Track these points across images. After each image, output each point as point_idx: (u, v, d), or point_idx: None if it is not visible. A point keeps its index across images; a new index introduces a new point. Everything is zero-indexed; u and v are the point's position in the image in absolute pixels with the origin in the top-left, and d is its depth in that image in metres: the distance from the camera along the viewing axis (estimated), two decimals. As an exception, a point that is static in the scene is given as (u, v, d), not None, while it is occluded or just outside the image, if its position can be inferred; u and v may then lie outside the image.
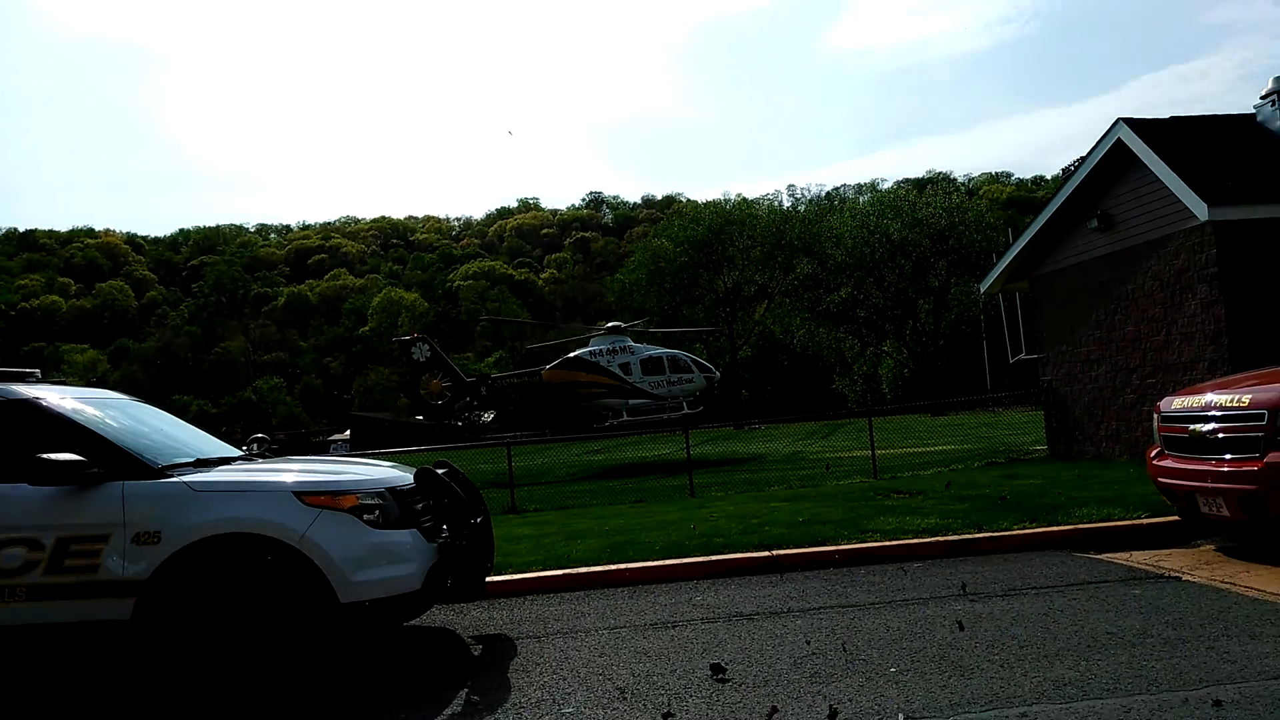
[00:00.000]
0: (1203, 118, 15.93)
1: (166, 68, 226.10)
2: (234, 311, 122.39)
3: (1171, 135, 14.67)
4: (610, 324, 35.48)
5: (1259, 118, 15.27)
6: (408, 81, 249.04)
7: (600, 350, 31.99)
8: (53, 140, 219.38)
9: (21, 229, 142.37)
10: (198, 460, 6.13)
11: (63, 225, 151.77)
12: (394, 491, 5.87)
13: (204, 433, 7.25)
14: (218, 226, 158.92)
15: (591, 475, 23.95)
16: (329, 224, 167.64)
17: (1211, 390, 7.63)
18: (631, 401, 31.13)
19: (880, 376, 75.24)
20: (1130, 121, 14.76)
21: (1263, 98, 15.24)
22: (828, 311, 70.46)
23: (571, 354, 33.27)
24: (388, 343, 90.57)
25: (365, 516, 5.62)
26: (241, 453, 7.15)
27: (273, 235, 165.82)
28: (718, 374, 35.78)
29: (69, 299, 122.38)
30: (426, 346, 33.12)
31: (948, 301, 64.94)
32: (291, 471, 5.91)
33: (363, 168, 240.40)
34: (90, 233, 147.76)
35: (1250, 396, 6.98)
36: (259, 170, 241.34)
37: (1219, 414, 7.17)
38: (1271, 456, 6.61)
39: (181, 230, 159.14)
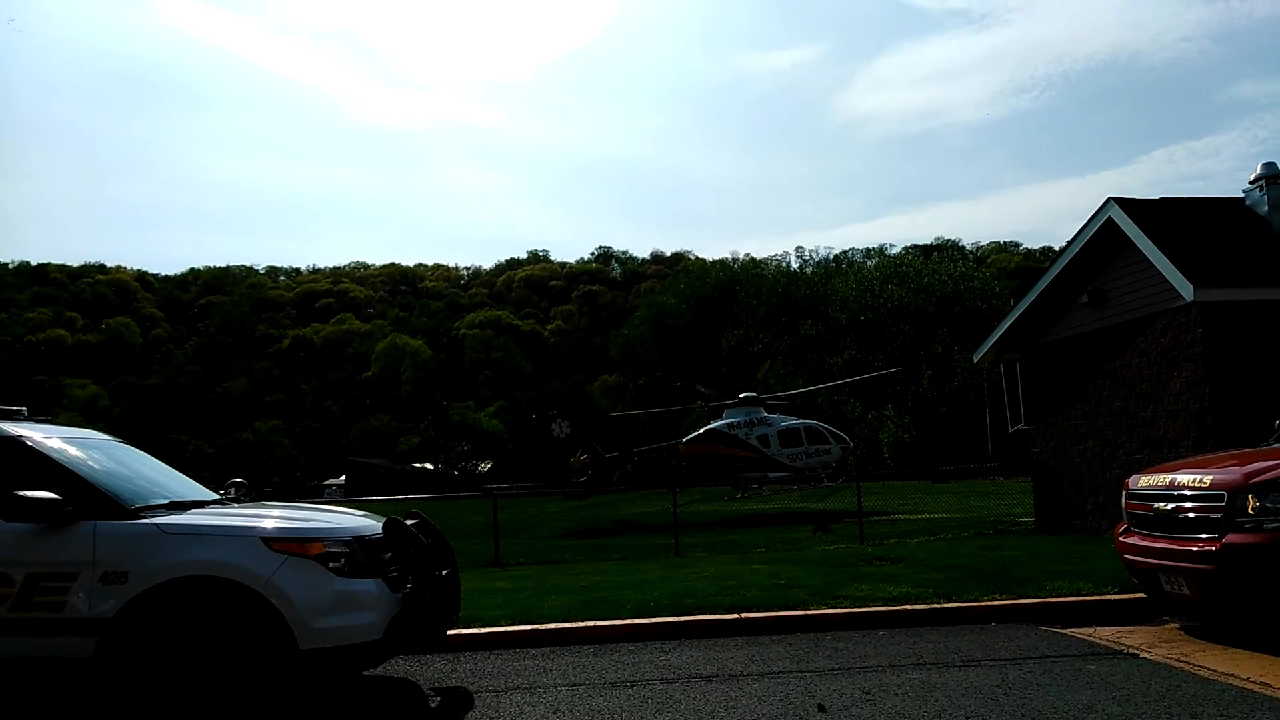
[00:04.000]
0: (1192, 199, 16.25)
1: (192, 105, 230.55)
2: (239, 352, 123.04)
3: (1161, 216, 14.96)
4: (745, 394, 35.34)
5: (1247, 201, 15.57)
6: (424, 129, 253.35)
7: (738, 422, 31.61)
8: (69, 174, 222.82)
9: (34, 262, 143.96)
10: (171, 503, 6.26)
11: (75, 260, 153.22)
12: (361, 540, 5.98)
13: (182, 475, 7.38)
14: (228, 267, 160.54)
15: (581, 531, 23.90)
16: (339, 268, 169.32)
17: (1178, 469, 7.74)
18: (771, 475, 30.88)
19: (881, 441, 75.09)
20: (1121, 201, 15.06)
21: (1251, 182, 15.56)
22: (830, 373, 70.69)
23: (709, 426, 32.86)
24: (390, 388, 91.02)
25: (331, 564, 5.73)
26: (218, 496, 7.28)
27: (282, 278, 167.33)
28: (850, 443, 35.50)
29: (75, 333, 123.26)
30: (567, 424, 32.89)
31: (951, 368, 65.07)
32: (260, 517, 6.04)
33: (377, 214, 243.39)
34: (101, 268, 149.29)
35: (1211, 478, 7.08)
36: (273, 212, 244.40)
37: (1181, 493, 7.27)
38: (1230, 538, 6.70)
39: (192, 269, 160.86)
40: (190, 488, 7.10)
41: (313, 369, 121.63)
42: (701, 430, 32.78)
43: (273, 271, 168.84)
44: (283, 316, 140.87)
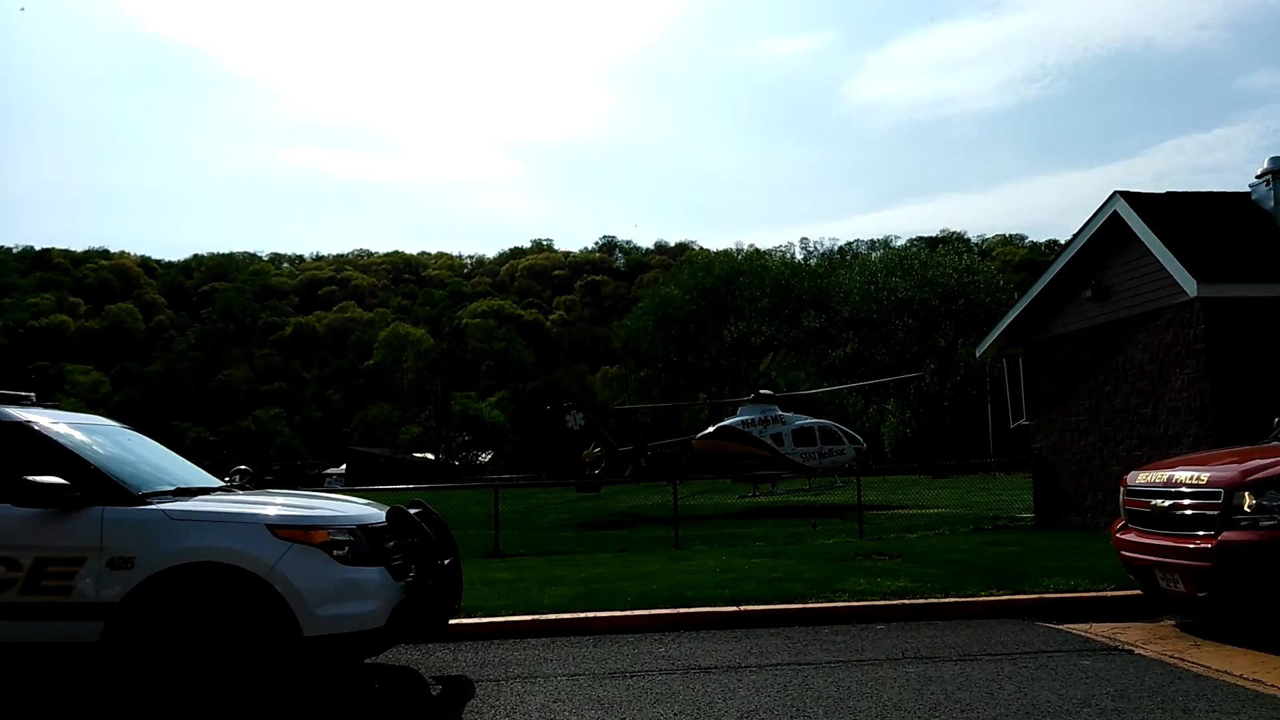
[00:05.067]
0: (1198, 194, 16.24)
1: (197, 90, 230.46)
2: (241, 339, 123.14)
3: (1166, 210, 14.94)
4: (761, 391, 35.17)
5: (1254, 196, 15.53)
6: (429, 118, 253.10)
7: (752, 420, 31.56)
8: (73, 159, 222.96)
9: (37, 247, 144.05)
10: (178, 489, 6.32)
11: (79, 245, 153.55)
12: (365, 529, 6.04)
13: (188, 462, 7.44)
14: (231, 253, 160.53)
15: (582, 523, 23.98)
16: (342, 256, 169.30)
17: (1176, 466, 7.78)
18: (784, 474, 30.86)
19: (883, 434, 75.14)
20: (1126, 195, 15.04)
21: (1258, 177, 15.51)
22: (833, 366, 70.71)
23: (723, 423, 32.84)
24: (391, 378, 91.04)
25: (335, 552, 5.79)
26: (223, 483, 7.34)
27: (285, 265, 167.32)
28: (864, 444, 35.55)
29: (78, 319, 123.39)
30: (581, 415, 32.86)
31: (954, 363, 65.03)
32: (266, 504, 6.10)
33: (380, 202, 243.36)
34: (105, 254, 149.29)
35: (1209, 475, 7.12)
36: (278, 199, 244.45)
37: (1179, 490, 7.31)
38: (1226, 535, 6.75)
39: (195, 255, 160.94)
40: (196, 474, 7.16)
41: (314, 357, 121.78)
42: (715, 427, 32.81)
43: (276, 259, 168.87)
44: (285, 304, 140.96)
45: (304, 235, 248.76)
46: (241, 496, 6.64)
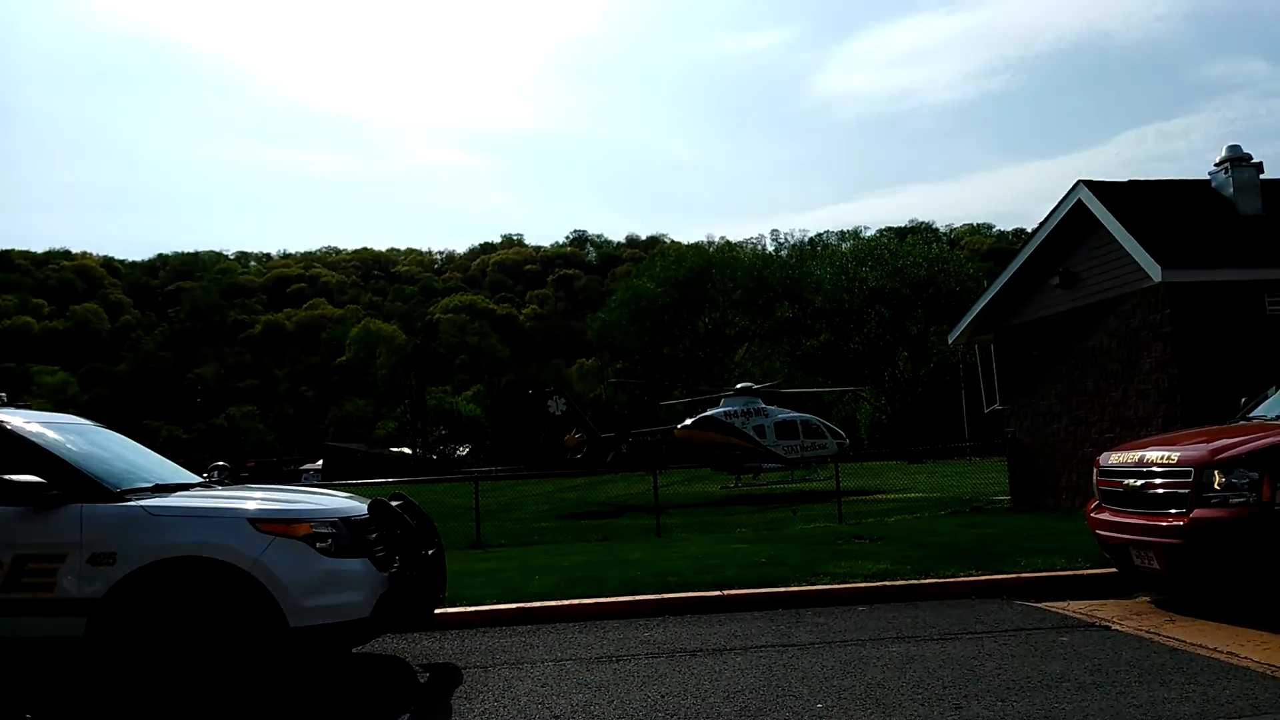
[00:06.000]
0: (1160, 182, 16.51)
1: (155, 88, 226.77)
2: (210, 338, 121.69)
3: (1129, 198, 15.19)
4: (741, 385, 35.28)
5: (1213, 183, 15.82)
6: (395, 112, 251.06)
7: (735, 411, 31.67)
8: (34, 159, 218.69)
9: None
10: (156, 485, 6.28)
11: (39, 246, 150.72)
12: (347, 521, 6.03)
13: (165, 459, 7.39)
14: (196, 252, 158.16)
15: (563, 513, 24.00)
16: (310, 253, 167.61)
17: (1147, 447, 7.93)
18: (765, 465, 30.97)
19: (858, 421, 75.73)
20: (1090, 183, 15.27)
21: (1217, 164, 15.81)
22: (807, 356, 71.24)
23: (706, 413, 32.95)
24: (365, 374, 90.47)
25: (318, 544, 5.78)
26: (201, 479, 7.29)
27: (252, 263, 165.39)
28: (848, 439, 35.93)
29: (42, 320, 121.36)
30: (563, 401, 32.75)
31: (927, 350, 65.68)
32: (247, 499, 6.08)
33: (348, 198, 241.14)
34: (67, 255, 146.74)
35: (1179, 455, 7.27)
36: (242, 196, 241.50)
37: (1151, 470, 7.46)
38: (1197, 512, 6.89)
39: (160, 255, 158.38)
40: (173, 471, 7.11)
41: (286, 354, 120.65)
42: (698, 416, 32.97)
43: (242, 257, 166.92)
44: (254, 302, 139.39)
45: (270, 233, 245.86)
46: (221, 492, 6.62)
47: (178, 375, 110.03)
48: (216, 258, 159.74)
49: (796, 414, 33.53)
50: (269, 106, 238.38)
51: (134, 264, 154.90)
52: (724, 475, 31.95)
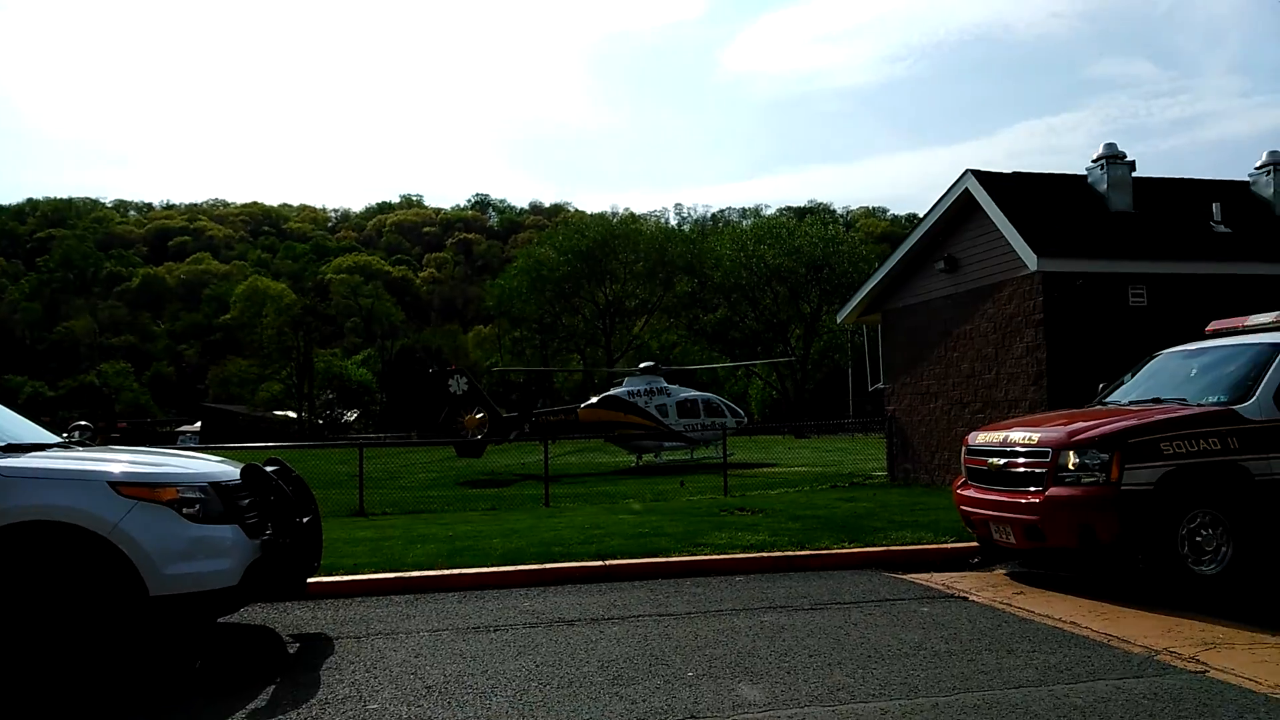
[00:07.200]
0: (1042, 175, 17.27)
1: (19, 24, 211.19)
2: (82, 290, 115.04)
3: (1013, 189, 15.85)
4: (645, 364, 35.25)
5: (1089, 179, 16.64)
6: (291, 61, 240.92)
7: (638, 390, 31.81)
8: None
9: None
10: (8, 445, 5.93)
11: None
12: (217, 486, 5.84)
13: (19, 416, 6.97)
14: (70, 199, 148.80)
15: (452, 483, 23.76)
16: (195, 205, 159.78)
17: (1011, 428, 8.36)
18: (666, 444, 31.17)
19: (750, 397, 77.28)
20: (977, 173, 15.85)
21: (1094, 161, 16.63)
22: (704, 330, 72.30)
23: (609, 393, 33.06)
24: (250, 333, 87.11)
25: (184, 510, 5.58)
26: (59, 439, 6.92)
27: (132, 213, 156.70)
28: (745, 418, 36.69)
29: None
30: (465, 380, 31.90)
31: (818, 329, 67.41)
32: (110, 461, 5.82)
33: (237, 149, 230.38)
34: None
35: (1039, 436, 7.69)
36: (121, 142, 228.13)
37: (1013, 450, 7.87)
38: (1052, 491, 7.31)
39: (30, 199, 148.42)
40: (29, 429, 6.73)
41: (165, 311, 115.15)
42: (601, 396, 33.18)
43: (121, 205, 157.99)
44: (132, 254, 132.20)
45: (151, 183, 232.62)
46: (82, 453, 6.29)
47: (45, 328, 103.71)
48: (92, 205, 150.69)
49: (698, 393, 34.10)
50: (151, 44, 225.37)
51: (1, 208, 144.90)
52: (628, 456, 32.23)
